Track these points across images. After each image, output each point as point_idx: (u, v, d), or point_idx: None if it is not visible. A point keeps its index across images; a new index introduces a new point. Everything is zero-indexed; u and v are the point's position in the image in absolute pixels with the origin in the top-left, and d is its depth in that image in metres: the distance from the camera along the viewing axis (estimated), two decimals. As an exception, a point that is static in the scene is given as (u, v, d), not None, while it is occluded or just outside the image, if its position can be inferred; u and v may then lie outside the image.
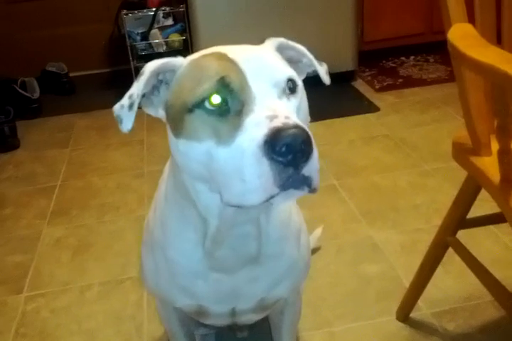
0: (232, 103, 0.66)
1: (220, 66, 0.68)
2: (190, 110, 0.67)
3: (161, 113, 0.75)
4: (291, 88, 0.70)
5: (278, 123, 0.61)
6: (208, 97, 0.66)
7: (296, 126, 0.60)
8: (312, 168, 0.63)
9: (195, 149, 0.67)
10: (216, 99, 0.66)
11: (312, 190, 0.64)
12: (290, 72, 0.71)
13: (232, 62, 0.68)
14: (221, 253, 0.83)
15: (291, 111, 0.68)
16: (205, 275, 0.87)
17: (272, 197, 0.63)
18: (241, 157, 0.62)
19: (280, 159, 0.60)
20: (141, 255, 0.98)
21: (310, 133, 0.62)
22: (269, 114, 0.63)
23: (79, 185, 2.24)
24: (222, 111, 0.66)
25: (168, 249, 0.88)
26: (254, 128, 0.62)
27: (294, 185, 0.63)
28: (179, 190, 0.81)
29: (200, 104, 0.66)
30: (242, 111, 0.65)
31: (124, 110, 0.71)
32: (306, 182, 0.63)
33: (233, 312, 0.97)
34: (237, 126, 0.64)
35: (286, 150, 0.60)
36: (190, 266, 0.87)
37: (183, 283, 0.90)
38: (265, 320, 1.16)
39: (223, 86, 0.66)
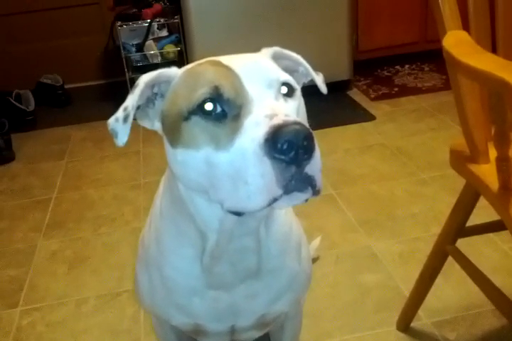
0: (228, 108, 0.65)
1: (215, 72, 0.67)
2: (187, 117, 0.66)
3: (156, 125, 0.74)
4: (288, 92, 0.70)
5: (278, 120, 0.59)
6: (202, 103, 0.65)
7: (297, 123, 0.59)
8: (315, 166, 0.61)
9: (193, 157, 0.66)
10: (209, 106, 0.65)
11: (316, 192, 0.62)
12: (285, 76, 0.71)
13: (226, 68, 0.68)
14: (219, 269, 0.81)
15: (290, 111, 0.68)
16: (203, 292, 0.86)
17: (276, 200, 0.61)
18: (242, 159, 0.61)
19: (282, 157, 0.58)
20: (135, 272, 0.96)
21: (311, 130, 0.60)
22: (268, 113, 0.62)
23: (75, 197, 2.22)
24: (219, 116, 0.65)
25: (164, 267, 0.86)
26: (254, 128, 0.61)
27: (297, 187, 0.61)
28: (176, 205, 0.79)
29: (196, 111, 0.65)
30: (240, 114, 0.64)
31: (119, 123, 0.69)
32: (309, 183, 0.61)
33: (233, 330, 0.95)
34: (235, 129, 0.63)
35: (288, 148, 0.58)
36: (187, 283, 0.85)
37: (179, 300, 0.88)
38: (266, 336, 1.14)
39: (218, 94, 0.65)
